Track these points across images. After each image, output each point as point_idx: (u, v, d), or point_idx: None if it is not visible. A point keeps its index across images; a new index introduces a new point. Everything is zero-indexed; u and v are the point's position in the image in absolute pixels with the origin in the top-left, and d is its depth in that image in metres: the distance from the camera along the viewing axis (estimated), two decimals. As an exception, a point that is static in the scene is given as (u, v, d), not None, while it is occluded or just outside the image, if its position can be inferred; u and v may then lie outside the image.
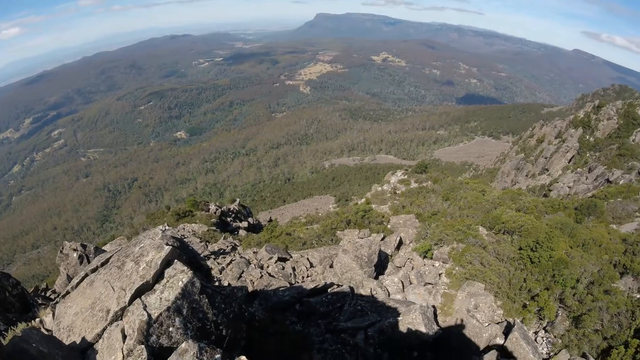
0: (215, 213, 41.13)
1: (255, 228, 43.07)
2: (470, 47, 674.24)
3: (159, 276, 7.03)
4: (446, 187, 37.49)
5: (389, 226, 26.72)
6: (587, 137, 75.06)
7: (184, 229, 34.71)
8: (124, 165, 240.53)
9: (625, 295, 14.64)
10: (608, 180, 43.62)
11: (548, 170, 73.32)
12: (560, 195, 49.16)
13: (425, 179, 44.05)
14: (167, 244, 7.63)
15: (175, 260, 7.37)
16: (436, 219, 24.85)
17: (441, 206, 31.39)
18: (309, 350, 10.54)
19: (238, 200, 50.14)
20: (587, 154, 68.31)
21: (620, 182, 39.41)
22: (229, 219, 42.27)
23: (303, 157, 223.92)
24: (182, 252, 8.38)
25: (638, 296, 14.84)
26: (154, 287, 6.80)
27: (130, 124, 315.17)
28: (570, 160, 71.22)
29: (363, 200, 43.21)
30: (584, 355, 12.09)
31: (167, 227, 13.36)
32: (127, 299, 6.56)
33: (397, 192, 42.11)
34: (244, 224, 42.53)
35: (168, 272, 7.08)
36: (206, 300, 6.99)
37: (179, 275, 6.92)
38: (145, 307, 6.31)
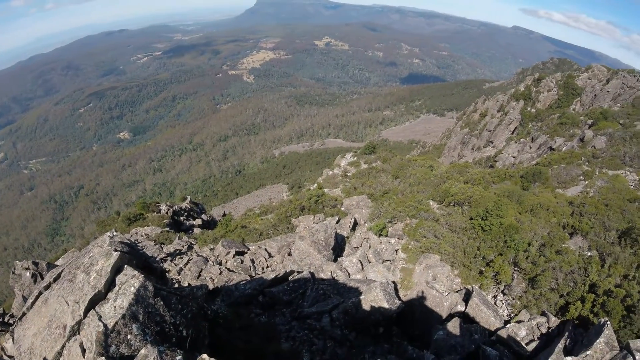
0: (167, 213, 40.17)
1: (209, 224, 42.57)
2: (412, 28, 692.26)
3: (110, 284, 6.90)
4: (395, 165, 38.43)
5: (342, 209, 27.09)
6: (529, 108, 79.17)
7: (136, 233, 33.68)
8: (68, 174, 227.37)
9: (576, 254, 15.66)
10: (551, 148, 46.20)
11: (493, 143, 76.92)
12: (506, 165, 51.78)
13: (374, 159, 44.90)
14: (115, 250, 7.47)
15: (125, 266, 7.23)
16: (388, 198, 25.52)
17: (392, 184, 32.19)
18: (276, 340, 10.60)
19: (189, 197, 49.05)
20: (530, 125, 72.03)
21: (563, 149, 41.82)
22: (182, 218, 41.47)
23: (252, 147, 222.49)
24: (132, 256, 8.22)
25: (589, 254, 15.93)
26: (107, 296, 6.73)
27: (70, 129, 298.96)
28: (513, 132, 75.02)
29: (315, 185, 43.49)
30: (543, 313, 12.87)
31: (115, 233, 12.92)
32: (81, 312, 6.38)
33: (348, 174, 42.69)
34: (198, 221, 41.92)
35: (119, 278, 6.95)
36: (162, 302, 6.91)
37: (131, 281, 6.82)
38: (100, 318, 6.16)
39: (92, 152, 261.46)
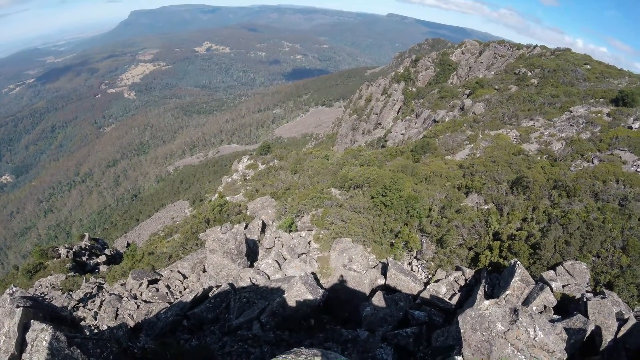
0: (68, 257, 36.85)
1: (115, 259, 40.01)
2: (292, 25, 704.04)
3: (22, 344, 6.51)
4: (292, 161, 38.76)
5: (248, 213, 26.90)
6: (410, 88, 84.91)
7: (40, 285, 30.51)
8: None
9: (475, 209, 17.06)
10: (435, 121, 49.73)
11: (381, 124, 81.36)
12: (396, 143, 54.95)
13: (271, 158, 44.84)
14: (18, 307, 7.06)
15: (32, 321, 6.83)
16: (291, 193, 25.80)
17: (292, 180, 32.44)
18: (213, 360, 10.28)
19: (87, 234, 45.19)
20: (413, 103, 77.09)
21: (446, 120, 45.19)
22: (84, 258, 38.34)
23: (144, 167, 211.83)
24: (37, 310, 7.82)
25: (486, 207, 17.39)
26: (22, 357, 6.42)
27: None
28: (398, 111, 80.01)
29: (216, 195, 42.34)
30: (457, 268, 13.82)
31: (14, 289, 11.46)
32: (1, 381, 5.90)
33: (248, 178, 42.11)
34: (102, 258, 39.14)
35: (29, 335, 6.55)
36: (78, 350, 6.63)
37: (41, 335, 6.44)
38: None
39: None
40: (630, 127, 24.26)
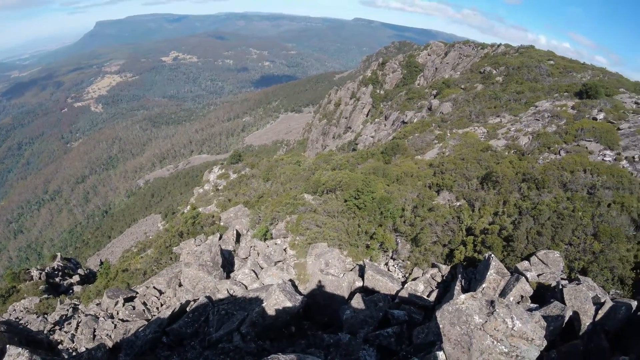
0: (40, 278, 36.00)
1: (89, 278, 39.34)
2: (259, 32, 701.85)
3: None
4: (264, 168, 38.62)
5: (221, 223, 26.71)
6: (378, 91, 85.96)
7: (15, 310, 29.57)
8: None
9: (447, 206, 17.34)
10: (404, 122, 50.43)
11: (351, 128, 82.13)
12: (367, 145, 55.51)
13: (242, 167, 44.58)
14: None
15: (8, 346, 6.64)
16: (264, 201, 25.69)
17: (265, 188, 32.36)
18: (195, 376, 10.03)
19: (59, 254, 44.10)
20: (381, 105, 78.17)
21: (415, 121, 45.86)
22: (57, 279, 37.61)
23: (114, 182, 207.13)
24: (12, 334, 7.78)
25: (458, 204, 17.68)
26: None
27: None
28: (367, 114, 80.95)
29: (189, 207, 41.86)
30: (433, 265, 14.00)
31: None
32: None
33: (219, 187, 41.74)
34: (76, 278, 38.46)
35: None
36: None
37: None
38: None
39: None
40: (595, 119, 25.14)
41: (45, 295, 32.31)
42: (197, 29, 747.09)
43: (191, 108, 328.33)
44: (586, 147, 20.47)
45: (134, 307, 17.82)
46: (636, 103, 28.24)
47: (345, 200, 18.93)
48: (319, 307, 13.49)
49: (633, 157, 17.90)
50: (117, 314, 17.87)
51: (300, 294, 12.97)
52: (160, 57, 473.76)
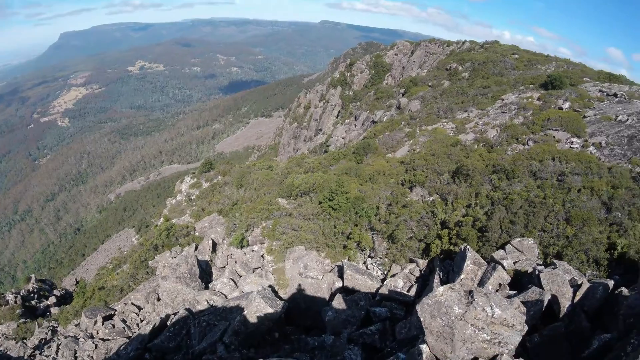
0: (16, 302, 35.07)
1: (65, 299, 38.82)
2: (226, 37, 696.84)
3: None
4: (236, 175, 38.32)
5: (196, 234, 26.38)
6: (347, 92, 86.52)
7: None
8: None
9: (420, 202, 17.55)
10: (373, 122, 50.82)
11: (322, 130, 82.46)
12: (338, 147, 55.81)
13: (214, 175, 44.11)
14: None
15: None
16: (238, 208, 25.49)
17: (238, 195, 32.16)
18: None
19: (33, 276, 43.10)
20: (351, 106, 78.73)
21: (384, 120, 46.28)
22: (34, 302, 36.96)
23: (85, 198, 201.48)
24: None
25: (431, 199, 17.91)
26: None
27: None
28: (337, 116, 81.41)
29: (162, 219, 41.22)
30: (411, 260, 14.15)
31: None
32: None
33: (192, 197, 41.17)
34: (52, 299, 37.92)
35: None
36: None
37: None
38: None
39: None
40: (560, 108, 25.87)
41: (23, 320, 31.76)
42: (163, 37, 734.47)
43: (160, 118, 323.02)
44: (553, 136, 21.03)
45: (113, 326, 17.58)
46: (600, 91, 29.20)
47: (320, 202, 19.01)
48: (301, 310, 13.48)
49: (600, 143, 18.49)
50: (97, 333, 17.62)
51: (280, 299, 13.03)
52: (126, 67, 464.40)
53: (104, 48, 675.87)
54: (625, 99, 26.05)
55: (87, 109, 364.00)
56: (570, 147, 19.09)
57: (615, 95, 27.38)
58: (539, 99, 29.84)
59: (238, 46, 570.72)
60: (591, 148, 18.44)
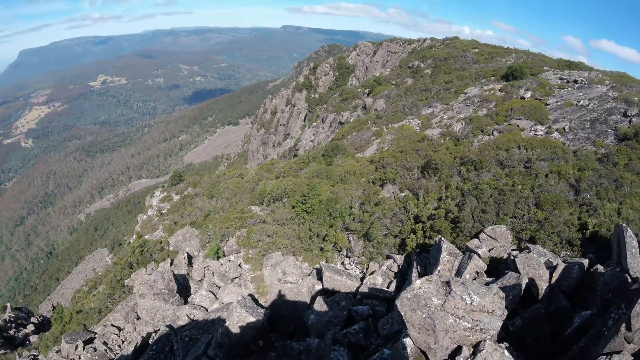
0: None
1: (44, 326, 38.92)
2: (188, 47, 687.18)
3: None
4: (207, 186, 37.96)
5: (171, 248, 25.93)
6: (312, 95, 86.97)
7: None
8: None
9: (392, 199, 17.79)
10: (341, 123, 51.19)
11: (290, 134, 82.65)
12: (307, 150, 56.02)
13: (184, 187, 43.52)
14: None
15: None
16: (211, 219, 25.32)
17: (210, 205, 31.87)
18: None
19: (9, 305, 42.07)
20: (317, 109, 79.19)
21: (351, 120, 46.70)
22: (11, 332, 36.60)
23: (54, 220, 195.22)
24: None
25: (402, 194, 18.16)
26: None
27: None
28: (305, 119, 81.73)
29: (134, 236, 40.47)
30: (388, 256, 14.31)
31: None
32: None
33: (164, 211, 40.51)
34: (30, 327, 37.80)
35: None
36: None
37: None
38: None
39: None
40: (523, 98, 26.66)
41: (2, 351, 31.95)
42: (125, 49, 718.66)
43: (125, 132, 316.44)
44: (518, 125, 21.67)
45: (95, 349, 17.18)
46: (561, 79, 30.21)
47: (293, 207, 19.04)
48: (283, 316, 13.47)
49: (563, 129, 19.14)
50: (79, 358, 17.27)
51: (262, 306, 12.92)
52: (88, 82, 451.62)
53: (64, 64, 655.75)
54: (585, 84, 27.04)
55: (51, 127, 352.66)
56: (535, 134, 19.69)
57: (575, 81, 28.39)
58: (501, 90, 30.64)
59: (201, 55, 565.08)
60: (555, 134, 19.08)
